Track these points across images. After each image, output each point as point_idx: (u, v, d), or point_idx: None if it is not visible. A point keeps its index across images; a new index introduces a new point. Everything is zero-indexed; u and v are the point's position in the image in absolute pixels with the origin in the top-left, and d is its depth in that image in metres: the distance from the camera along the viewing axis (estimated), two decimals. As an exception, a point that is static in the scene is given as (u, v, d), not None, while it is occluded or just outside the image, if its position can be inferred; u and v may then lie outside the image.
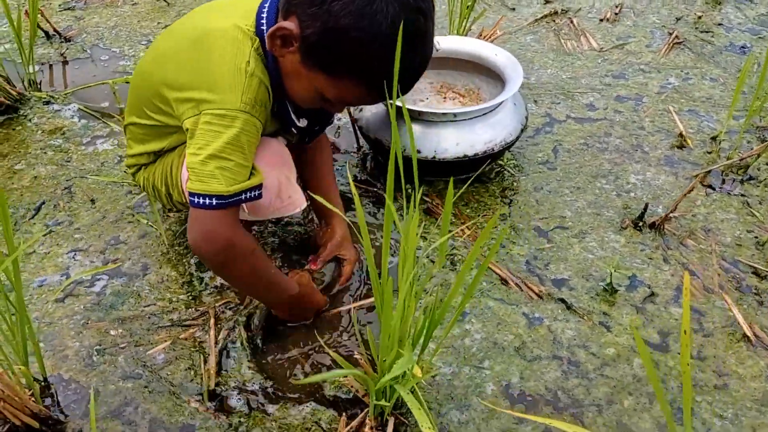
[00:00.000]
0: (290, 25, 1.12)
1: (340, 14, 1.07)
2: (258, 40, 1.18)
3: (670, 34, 2.33)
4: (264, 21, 1.18)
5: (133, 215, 1.69)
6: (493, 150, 1.66)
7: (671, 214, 1.61)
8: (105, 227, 1.66)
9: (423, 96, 1.96)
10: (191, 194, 1.15)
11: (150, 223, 1.66)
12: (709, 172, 1.76)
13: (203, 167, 1.13)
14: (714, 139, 1.87)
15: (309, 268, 1.46)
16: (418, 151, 1.67)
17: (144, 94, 1.33)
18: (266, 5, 1.19)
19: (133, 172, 1.51)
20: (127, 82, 2.13)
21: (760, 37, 2.32)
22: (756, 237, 1.58)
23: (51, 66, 2.30)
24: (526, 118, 1.76)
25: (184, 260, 1.57)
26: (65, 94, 2.13)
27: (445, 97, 1.95)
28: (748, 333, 1.35)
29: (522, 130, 1.72)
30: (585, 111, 2.00)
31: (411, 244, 1.01)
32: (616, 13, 2.46)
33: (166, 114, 1.28)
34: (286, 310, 1.37)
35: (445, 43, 1.88)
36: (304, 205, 1.40)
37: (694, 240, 1.57)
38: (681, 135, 1.88)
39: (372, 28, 1.07)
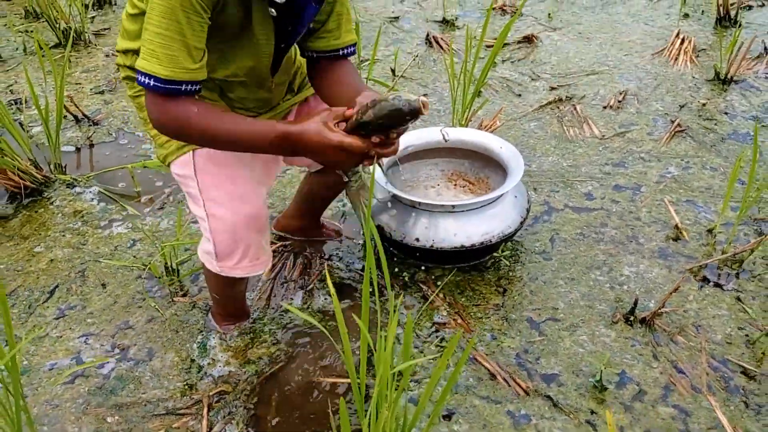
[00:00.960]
0: None
1: None
2: None
3: (673, 121, 2.38)
4: None
5: (143, 299, 1.77)
6: (491, 242, 1.71)
7: (662, 310, 1.63)
8: (116, 312, 1.74)
9: (434, 182, 2.03)
10: (137, 71, 1.16)
11: (158, 308, 1.74)
12: (703, 266, 1.78)
13: (149, 45, 1.13)
14: (710, 231, 1.89)
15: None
16: (416, 240, 1.73)
17: None
18: None
19: (123, 76, 1.43)
20: (145, 167, 2.24)
21: (763, 126, 2.35)
22: (747, 335, 1.58)
23: (78, 149, 2.44)
24: (527, 210, 1.81)
25: (186, 345, 1.63)
26: (87, 177, 2.25)
27: (455, 185, 2.03)
28: (734, 437, 1.35)
29: (522, 223, 1.77)
30: (583, 200, 2.05)
31: (384, 374, 1.04)
32: (620, 101, 2.53)
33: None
34: (290, 152, 1.23)
35: (453, 134, 1.96)
36: (269, 265, 1.49)
37: (684, 337, 1.58)
38: (677, 227, 1.90)
39: None
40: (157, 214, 2.09)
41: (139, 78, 1.16)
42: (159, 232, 2.01)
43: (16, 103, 2.73)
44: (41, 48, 2.78)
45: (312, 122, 1.18)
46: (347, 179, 1.31)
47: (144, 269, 1.85)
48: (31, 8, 3.47)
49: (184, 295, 1.78)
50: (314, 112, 1.21)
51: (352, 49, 1.40)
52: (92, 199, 2.17)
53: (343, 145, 1.16)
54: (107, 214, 2.10)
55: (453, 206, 1.73)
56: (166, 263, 1.83)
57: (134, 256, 1.91)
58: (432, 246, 1.72)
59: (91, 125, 2.57)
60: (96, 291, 1.81)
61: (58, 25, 3.16)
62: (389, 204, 1.80)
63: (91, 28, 3.36)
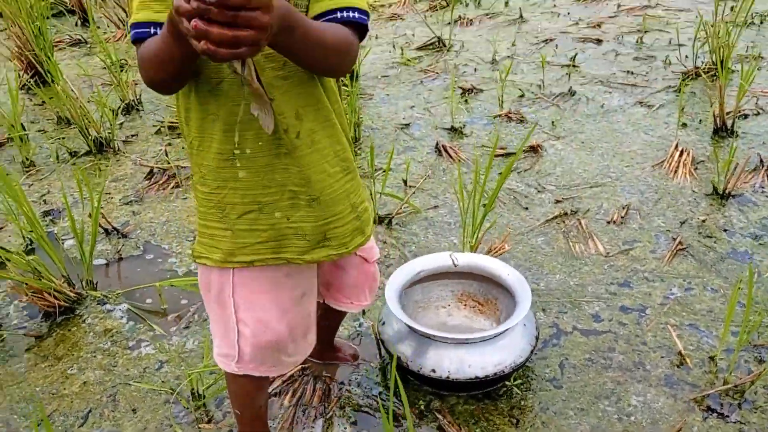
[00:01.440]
0: None
1: None
2: None
3: (674, 239, 2.49)
4: None
5: (171, 426, 1.86)
6: (504, 372, 1.80)
7: (669, 443, 1.70)
8: (143, 438, 1.83)
9: (445, 303, 2.14)
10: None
11: (184, 435, 1.82)
12: (707, 396, 1.85)
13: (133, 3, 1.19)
14: (712, 358, 1.97)
15: None
16: (432, 371, 1.83)
17: None
18: None
19: None
20: (173, 285, 2.36)
21: (760, 244, 2.46)
22: (752, 471, 1.65)
23: (107, 264, 2.57)
24: (536, 338, 1.91)
25: (211, 475, 1.71)
26: (117, 295, 2.37)
27: (465, 305, 2.13)
28: None
29: (532, 351, 1.87)
30: (591, 322, 2.14)
31: None
32: (622, 216, 2.65)
33: None
34: (173, 28, 1.03)
35: (462, 259, 2.08)
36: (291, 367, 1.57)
37: (691, 473, 1.65)
38: (680, 353, 1.99)
39: None
40: (183, 334, 2.19)
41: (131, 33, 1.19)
42: (185, 353, 2.11)
43: (50, 214, 2.88)
44: (72, 156, 2.95)
45: None
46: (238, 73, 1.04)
47: (172, 394, 1.94)
48: (63, 115, 3.68)
49: (209, 422, 1.87)
50: None
51: (353, 14, 1.21)
52: (121, 317, 2.28)
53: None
54: (135, 333, 2.20)
55: (466, 339, 1.83)
56: (192, 388, 1.92)
57: (162, 381, 2.01)
58: (448, 377, 1.81)
59: (120, 237, 2.71)
60: (127, 416, 1.90)
61: (88, 133, 3.35)
62: (405, 333, 1.90)
63: (119, 134, 3.55)
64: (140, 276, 2.49)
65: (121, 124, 3.71)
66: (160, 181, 3.09)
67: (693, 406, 1.83)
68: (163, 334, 2.19)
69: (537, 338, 1.91)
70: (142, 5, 1.17)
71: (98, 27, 5.40)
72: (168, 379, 2.02)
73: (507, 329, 1.82)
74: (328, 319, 1.88)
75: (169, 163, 3.19)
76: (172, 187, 3.05)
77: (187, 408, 1.90)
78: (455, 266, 2.08)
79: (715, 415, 1.81)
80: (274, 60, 1.22)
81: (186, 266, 2.52)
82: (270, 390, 1.94)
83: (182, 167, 3.18)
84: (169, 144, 3.45)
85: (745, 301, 2.15)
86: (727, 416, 1.80)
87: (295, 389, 1.94)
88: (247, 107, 1.16)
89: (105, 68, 4.09)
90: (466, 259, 2.09)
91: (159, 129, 3.62)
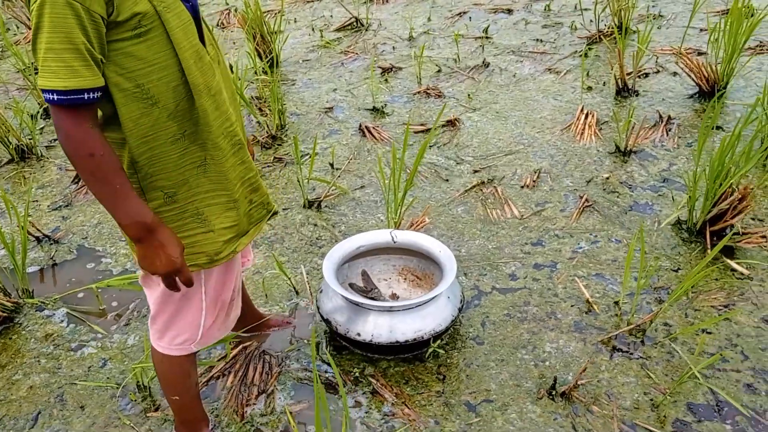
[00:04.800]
0: None
1: None
2: None
3: (581, 197, 2.69)
4: None
5: (119, 418, 1.94)
6: (422, 338, 1.96)
7: (579, 382, 1.89)
8: (94, 432, 1.91)
9: (387, 276, 2.29)
10: (42, 91, 1.22)
11: (133, 425, 1.91)
12: (612, 337, 2.05)
13: (43, 62, 1.20)
14: (616, 303, 2.17)
15: None
16: (358, 334, 1.97)
17: None
18: None
19: None
20: (109, 285, 2.42)
21: (660, 195, 2.68)
22: (651, 399, 1.85)
23: (42, 270, 2.60)
24: (460, 309, 2.06)
25: (163, 460, 1.81)
26: (54, 299, 2.42)
27: (405, 279, 2.29)
28: (642, 494, 1.60)
29: (454, 320, 2.02)
30: (508, 281, 2.32)
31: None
32: (534, 180, 2.83)
33: None
34: (136, 237, 1.35)
35: (401, 237, 2.23)
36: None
37: (598, 406, 1.85)
38: (588, 301, 2.19)
39: None
40: (124, 331, 2.26)
41: (45, 96, 1.21)
42: (127, 349, 2.18)
43: (-24, 227, 2.87)
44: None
45: (178, 240, 1.40)
46: None
47: (118, 389, 2.02)
48: (-20, 125, 3.62)
49: (156, 410, 1.96)
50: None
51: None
52: (61, 320, 2.33)
53: (180, 271, 1.40)
54: (77, 335, 2.26)
55: (390, 307, 1.97)
56: (138, 381, 2.01)
57: (107, 377, 2.08)
58: (371, 341, 1.96)
59: (52, 243, 2.73)
60: (76, 414, 1.97)
61: (9, 142, 3.32)
62: (339, 303, 2.04)
63: (41, 140, 3.53)
64: (76, 279, 2.53)
65: (42, 129, 3.68)
66: (88, 184, 3.11)
67: (601, 348, 2.03)
68: (104, 333, 2.26)
69: (460, 310, 2.07)
70: (68, 71, 1.20)
71: (8, 29, 5.27)
72: (113, 375, 2.09)
73: (428, 300, 1.97)
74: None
75: (95, 164, 3.20)
76: (101, 189, 3.07)
77: (134, 400, 1.99)
78: (395, 243, 2.22)
79: (620, 353, 2.01)
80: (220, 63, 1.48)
81: (121, 266, 2.58)
82: (213, 373, 2.04)
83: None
84: (94, 145, 3.45)
85: (646, 249, 2.37)
86: (631, 353, 2.00)
87: (236, 370, 2.05)
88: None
89: (18, 72, 4.02)
90: (405, 237, 2.23)
91: (82, 131, 3.60)
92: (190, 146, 1.42)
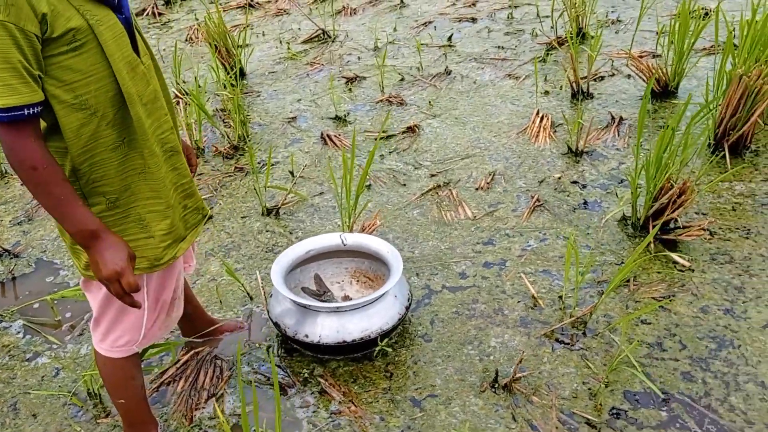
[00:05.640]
0: None
1: None
2: None
3: (533, 197, 2.75)
4: None
5: (70, 425, 1.96)
6: (369, 337, 1.99)
7: (521, 374, 1.93)
8: (44, 440, 1.93)
9: (339, 279, 2.33)
10: None
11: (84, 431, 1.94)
12: (555, 330, 2.10)
13: None
14: (560, 297, 2.22)
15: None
16: (306, 336, 2.00)
17: None
18: None
19: None
20: (63, 297, 2.44)
21: (608, 192, 2.74)
22: (590, 388, 1.90)
23: (2, 284, 2.62)
24: (407, 308, 2.10)
25: (112, 464, 1.83)
26: (12, 312, 2.44)
27: (358, 281, 2.33)
28: (576, 480, 1.64)
29: (401, 319, 2.06)
30: (458, 279, 2.36)
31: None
32: (488, 182, 2.89)
33: None
34: (83, 245, 1.42)
35: (351, 239, 2.27)
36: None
37: (538, 396, 1.89)
38: (533, 296, 2.23)
39: None
40: (77, 340, 2.29)
41: None
42: (80, 358, 2.21)
43: (-63, 244, 2.89)
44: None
45: (124, 246, 1.43)
46: None
47: (69, 396, 2.04)
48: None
49: (107, 416, 1.98)
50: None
51: None
52: (17, 332, 2.35)
53: (124, 277, 1.42)
54: (32, 346, 2.28)
55: (337, 307, 2.01)
56: (88, 389, 2.03)
57: (59, 386, 2.11)
58: (319, 342, 1.99)
59: (12, 258, 2.76)
60: (28, 422, 1.99)
61: (-27, 160, 3.35)
62: (288, 306, 2.07)
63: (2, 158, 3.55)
64: (34, 291, 2.55)
65: (8, 146, 3.71)
66: (51, 199, 3.14)
67: (544, 341, 2.07)
68: (58, 343, 2.28)
69: (407, 309, 2.10)
70: (7, 88, 1.25)
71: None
72: (65, 383, 2.12)
73: (375, 299, 2.01)
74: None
75: (57, 179, 3.23)
76: (63, 203, 3.10)
77: (83, 407, 2.01)
78: (344, 245, 2.26)
79: (562, 345, 2.05)
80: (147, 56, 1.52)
81: (78, 277, 2.60)
82: (164, 379, 2.07)
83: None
84: (58, 161, 3.48)
85: (592, 244, 2.42)
86: (573, 345, 2.05)
87: (187, 375, 2.08)
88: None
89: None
90: (354, 239, 2.27)
91: (46, 147, 3.63)
92: (130, 152, 1.47)
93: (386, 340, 2.07)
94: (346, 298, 2.28)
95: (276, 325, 2.08)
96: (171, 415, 1.96)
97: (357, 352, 2.09)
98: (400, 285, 2.12)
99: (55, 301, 2.43)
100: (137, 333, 1.67)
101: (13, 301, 2.53)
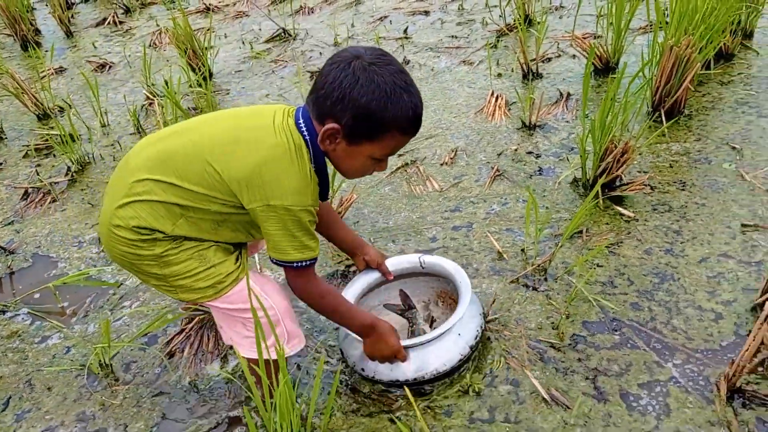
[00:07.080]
0: (331, 124, 1.56)
1: (359, 98, 1.52)
2: (305, 147, 1.62)
3: (493, 168, 3.01)
4: (305, 131, 1.61)
5: (90, 393, 2.14)
6: (423, 378, 1.93)
7: (493, 316, 2.18)
8: (68, 406, 2.10)
9: (426, 297, 2.29)
10: (288, 262, 1.66)
11: (104, 397, 2.12)
12: (522, 277, 2.36)
13: (297, 241, 1.64)
14: (523, 250, 2.48)
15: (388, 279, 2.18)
16: (362, 369, 1.99)
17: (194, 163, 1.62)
18: (301, 122, 1.62)
19: (138, 239, 1.66)
20: (65, 283, 2.61)
21: (560, 159, 3.02)
22: (553, 321, 2.16)
23: (1, 279, 2.76)
24: (472, 347, 1.98)
25: (147, 415, 2.02)
26: (15, 302, 2.59)
27: (443, 301, 2.27)
28: (546, 396, 1.89)
29: (463, 360, 1.96)
30: (429, 243, 2.60)
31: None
32: (452, 158, 3.14)
33: (214, 189, 1.61)
34: (364, 335, 1.89)
35: (428, 260, 2.21)
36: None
37: (508, 330, 2.14)
38: (499, 252, 2.49)
39: (380, 93, 1.53)
40: (84, 321, 2.46)
41: (294, 264, 1.67)
42: (88, 336, 2.38)
43: (-69, 247, 3.02)
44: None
45: (392, 328, 1.89)
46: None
47: (82, 370, 2.22)
48: (-76, 155, 3.74)
49: (118, 383, 2.17)
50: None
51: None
52: (24, 320, 2.51)
53: (399, 354, 1.89)
54: (41, 330, 2.45)
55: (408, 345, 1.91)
56: (100, 360, 2.21)
57: (71, 361, 2.28)
58: (373, 377, 1.97)
59: (8, 255, 2.90)
60: (45, 394, 2.16)
61: (-45, 168, 3.46)
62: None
63: (-14, 164, 3.68)
64: (35, 283, 2.71)
65: (-13, 154, 3.82)
66: (37, 200, 3.29)
67: (512, 286, 2.33)
68: (65, 327, 2.45)
69: (474, 347, 1.98)
70: (313, 244, 1.69)
71: None
72: (76, 359, 2.29)
73: (425, 341, 1.91)
74: None
75: (42, 181, 3.38)
76: (49, 203, 3.25)
77: (98, 374, 2.19)
78: (422, 267, 2.22)
79: (530, 289, 2.31)
80: None
81: (75, 267, 2.77)
82: (172, 347, 2.26)
83: (55, 183, 3.38)
84: (39, 165, 3.62)
85: (548, 204, 2.69)
86: (538, 287, 2.31)
87: (191, 342, 2.27)
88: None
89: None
90: (431, 261, 2.21)
91: (26, 153, 3.77)
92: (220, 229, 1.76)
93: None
94: (430, 318, 2.23)
95: (341, 351, 2.10)
96: (183, 376, 2.15)
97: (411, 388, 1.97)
98: (466, 321, 1.99)
99: (59, 288, 2.60)
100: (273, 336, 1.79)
101: (16, 293, 2.68)
